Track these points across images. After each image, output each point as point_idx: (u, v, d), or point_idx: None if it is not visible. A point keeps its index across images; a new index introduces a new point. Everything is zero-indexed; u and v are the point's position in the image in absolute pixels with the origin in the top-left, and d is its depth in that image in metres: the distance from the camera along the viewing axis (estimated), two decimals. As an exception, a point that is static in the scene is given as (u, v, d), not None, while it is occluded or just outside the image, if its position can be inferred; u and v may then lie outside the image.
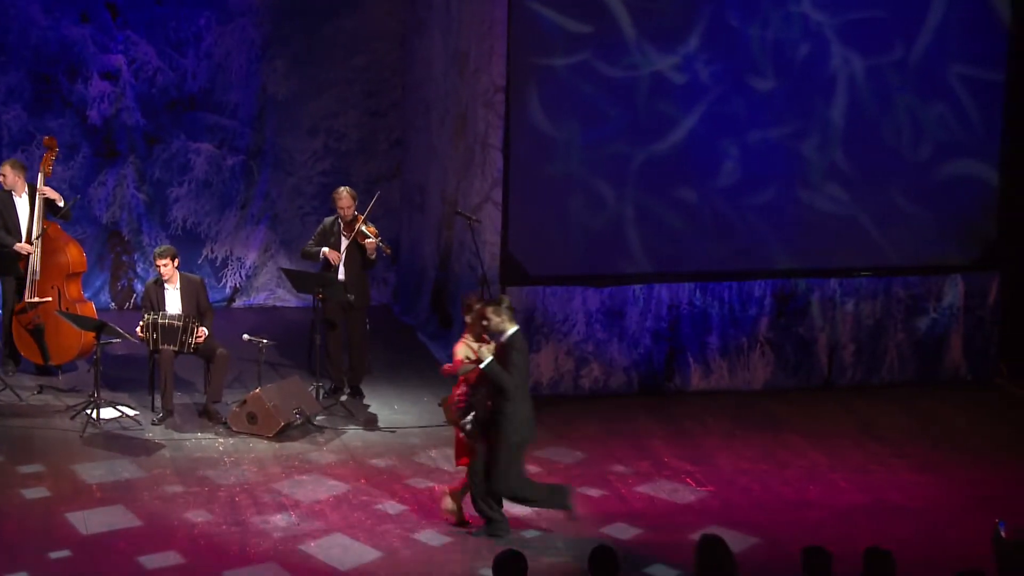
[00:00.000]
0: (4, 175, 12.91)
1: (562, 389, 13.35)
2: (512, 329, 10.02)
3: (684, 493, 11.07)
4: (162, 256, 12.10)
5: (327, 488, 10.83)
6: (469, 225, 13.06)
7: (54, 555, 9.48)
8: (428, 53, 15.07)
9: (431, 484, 11.00)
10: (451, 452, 11.48)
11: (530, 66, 12.92)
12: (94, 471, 10.92)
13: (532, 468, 11.17)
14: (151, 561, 9.39)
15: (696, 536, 7.51)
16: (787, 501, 11.01)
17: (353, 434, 12.03)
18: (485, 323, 10.07)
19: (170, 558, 9.43)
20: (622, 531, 10.18)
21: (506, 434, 9.95)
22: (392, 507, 10.62)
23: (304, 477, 11.01)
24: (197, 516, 10.16)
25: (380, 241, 12.68)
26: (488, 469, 9.99)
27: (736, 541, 7.58)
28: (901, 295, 14.05)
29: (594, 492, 10.95)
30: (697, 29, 13.21)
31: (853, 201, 13.76)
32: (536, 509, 10.35)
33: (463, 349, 10.20)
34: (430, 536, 10.14)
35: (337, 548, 9.88)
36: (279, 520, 10.18)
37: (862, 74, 13.64)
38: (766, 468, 11.68)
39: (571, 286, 13.30)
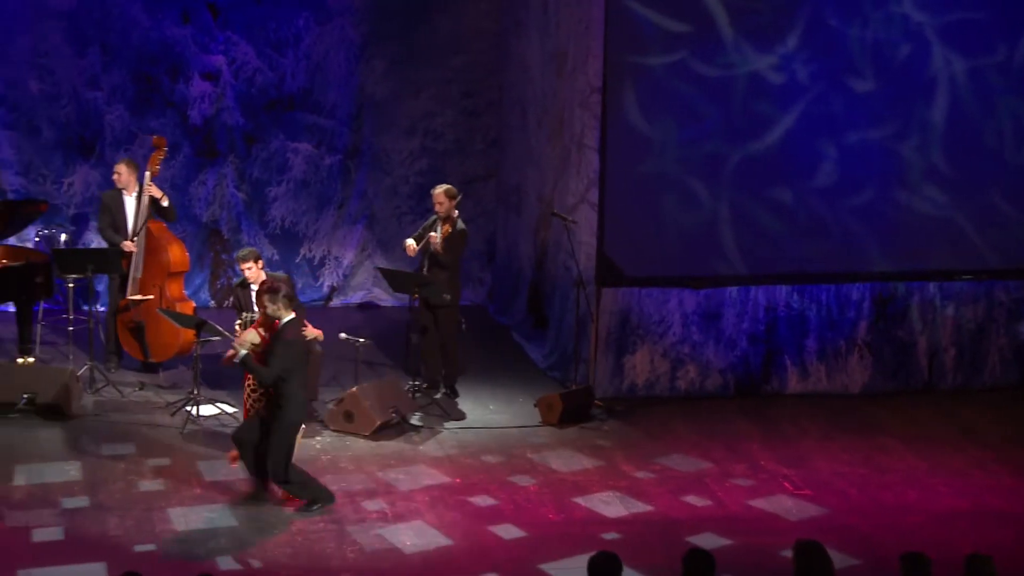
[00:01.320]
0: (119, 173, 13.09)
1: (658, 391, 13.31)
2: (286, 317, 10.18)
3: (781, 496, 10.98)
4: (244, 260, 12.18)
5: (421, 485, 10.87)
6: (565, 226, 13.06)
7: (139, 548, 9.59)
8: (525, 53, 15.08)
9: (525, 482, 11.00)
10: (548, 452, 11.54)
11: (626, 65, 12.88)
12: (210, 468, 11.05)
13: (645, 474, 11.18)
14: (223, 563, 9.40)
15: (793, 541, 7.45)
16: (886, 506, 10.89)
17: (448, 433, 12.06)
18: (263, 309, 10.27)
19: (242, 561, 9.43)
20: (717, 534, 10.11)
21: (283, 415, 10.12)
22: (483, 501, 10.65)
23: (399, 475, 11.05)
24: (295, 514, 10.22)
25: (439, 239, 12.66)
26: (270, 448, 10.17)
27: (834, 546, 7.50)
28: (1003, 299, 13.87)
29: (692, 496, 10.88)
30: (795, 29, 13.11)
31: (952, 203, 13.60)
32: None
33: (251, 335, 10.31)
34: (508, 530, 10.15)
35: (411, 532, 9.99)
36: (375, 517, 10.23)
37: (963, 75, 13.48)
38: (864, 472, 11.57)
39: (667, 287, 13.25)
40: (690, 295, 13.31)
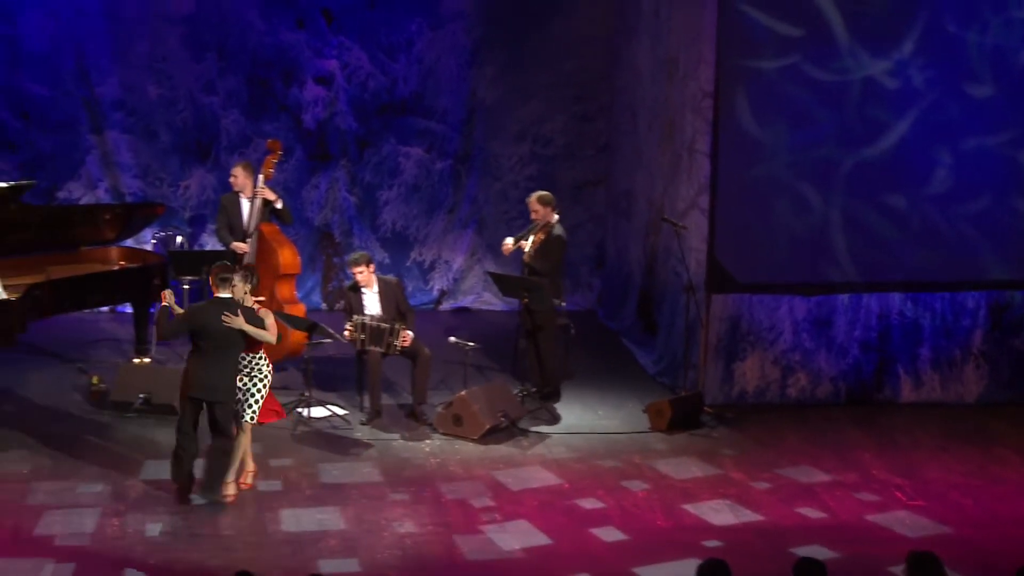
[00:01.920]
0: (235, 176, 13.26)
1: (768, 398, 13.21)
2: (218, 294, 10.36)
3: (893, 507, 10.84)
4: (356, 264, 12.26)
5: (529, 489, 10.88)
6: (676, 231, 13.01)
7: (244, 546, 9.70)
8: (636, 58, 15.05)
9: (634, 488, 10.97)
10: (657, 458, 11.52)
11: (739, 69, 12.80)
12: (328, 471, 11.14)
13: (755, 482, 11.14)
14: (332, 565, 9.43)
15: (906, 552, 7.35)
16: (1001, 518, 10.70)
17: (557, 438, 12.06)
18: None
19: (352, 564, 9.47)
20: (827, 545, 10.00)
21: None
22: (590, 505, 10.65)
23: (508, 479, 11.07)
24: (404, 517, 10.26)
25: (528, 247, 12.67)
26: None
27: (946, 558, 7.37)
28: (1124, 309, 13.60)
29: (802, 506, 10.77)
30: (912, 34, 12.94)
31: (1072, 212, 13.35)
32: None
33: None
34: (610, 533, 10.13)
35: (516, 534, 10.00)
36: (483, 520, 10.25)
37: (1086, 82, 13.22)
38: (979, 483, 11.39)
39: (778, 294, 13.14)
40: (801, 302, 13.19)
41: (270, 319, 10.41)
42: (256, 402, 10.49)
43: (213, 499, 10.33)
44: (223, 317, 10.11)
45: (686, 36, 13.54)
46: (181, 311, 10.45)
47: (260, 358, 10.54)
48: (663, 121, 14.20)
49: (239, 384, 10.41)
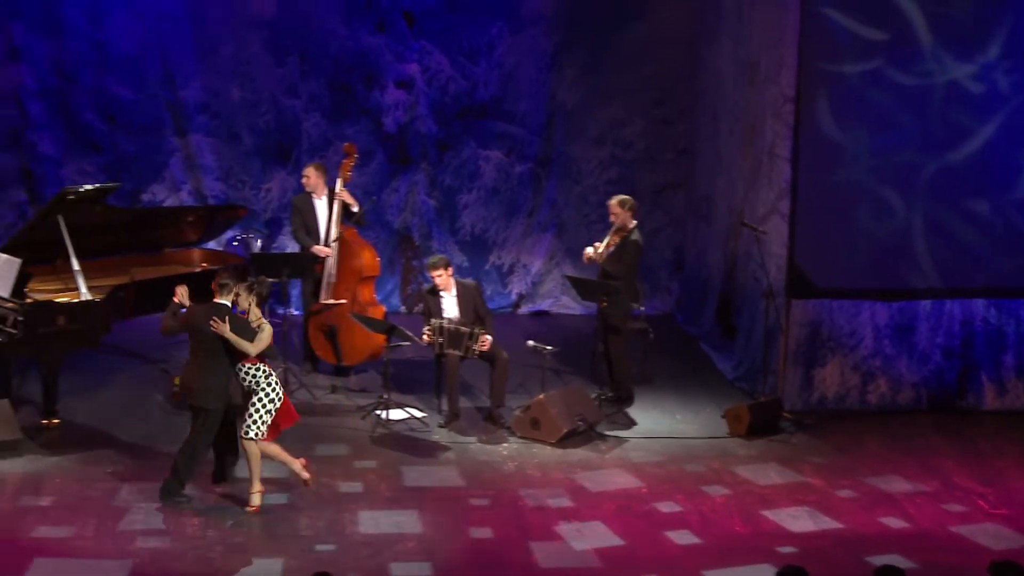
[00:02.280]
0: (307, 177, 13.37)
1: (848, 404, 13.10)
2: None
3: (975, 516, 10.71)
4: (435, 267, 12.30)
5: (607, 492, 10.87)
6: (756, 236, 12.95)
7: (320, 547, 9.74)
8: (717, 62, 14.99)
9: (712, 493, 10.93)
10: (735, 464, 11.48)
11: (820, 73, 12.71)
12: (411, 473, 11.19)
13: (834, 489, 11.07)
14: (405, 569, 9.46)
15: (988, 562, 7.27)
16: (1086, 528, 10.56)
17: (635, 443, 12.03)
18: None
19: (424, 568, 9.47)
20: (907, 554, 9.90)
21: None
22: (668, 508, 10.63)
23: (585, 482, 11.07)
24: (480, 521, 10.28)
25: (598, 251, 12.64)
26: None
27: (1030, 568, 7.30)
28: None
29: (882, 513, 10.67)
30: (997, 38, 12.78)
31: None
32: None
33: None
34: (684, 536, 10.10)
35: (588, 534, 10.02)
36: (560, 524, 10.25)
37: None
38: (1063, 493, 11.25)
39: (859, 300, 13.04)
40: (882, 307, 13.08)
41: (265, 333, 10.23)
42: (260, 418, 10.21)
43: (168, 501, 10.28)
44: (211, 322, 10.10)
45: (767, 40, 13.46)
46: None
47: (257, 369, 10.22)
48: (744, 125, 14.13)
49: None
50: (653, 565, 9.58)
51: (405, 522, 10.19)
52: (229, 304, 10.21)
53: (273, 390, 10.24)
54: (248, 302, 10.30)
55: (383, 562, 9.48)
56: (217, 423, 10.32)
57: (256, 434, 10.20)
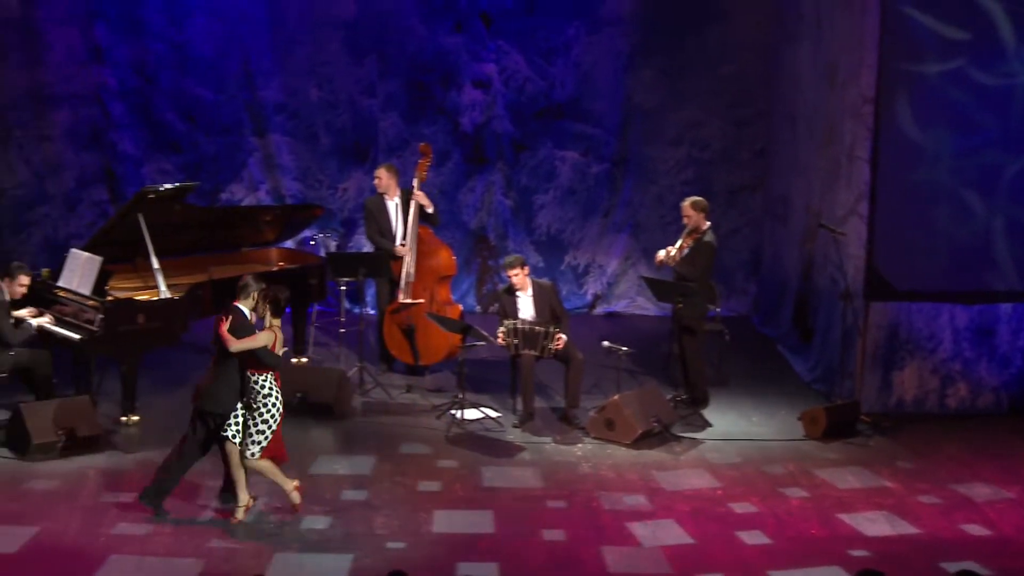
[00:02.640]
0: (379, 178, 13.43)
1: (927, 407, 12.98)
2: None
3: (1056, 521, 10.60)
4: (511, 266, 12.31)
5: (681, 493, 10.83)
6: (834, 238, 12.85)
7: (391, 545, 9.78)
8: (795, 64, 14.90)
9: (788, 495, 10.86)
10: (811, 466, 11.41)
11: (901, 74, 12.59)
12: (492, 474, 11.20)
13: (912, 493, 10.97)
14: (472, 568, 9.42)
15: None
16: None
17: (711, 444, 11.98)
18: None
19: (492, 569, 9.42)
20: (984, 559, 9.78)
21: None
22: (742, 506, 10.60)
23: (659, 484, 11.03)
24: (553, 522, 10.26)
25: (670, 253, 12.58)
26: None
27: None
28: None
29: (961, 518, 10.55)
30: (1081, 37, 12.62)
31: None
32: None
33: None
34: (756, 537, 10.05)
35: (660, 532, 10.03)
36: (635, 526, 10.23)
37: None
38: None
39: (938, 302, 12.91)
40: (962, 310, 12.94)
41: (261, 336, 9.77)
42: (260, 435, 9.87)
43: (147, 502, 10.03)
44: (218, 320, 9.91)
45: (847, 41, 13.37)
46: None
47: (264, 380, 9.83)
48: (822, 127, 14.03)
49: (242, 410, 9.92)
50: (721, 565, 9.54)
51: (480, 522, 10.19)
52: (247, 309, 9.94)
53: (268, 410, 9.81)
54: (264, 309, 9.89)
55: (451, 562, 9.48)
56: (208, 429, 10.01)
57: (252, 454, 9.85)
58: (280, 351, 9.87)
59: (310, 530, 9.98)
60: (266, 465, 9.98)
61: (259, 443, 9.85)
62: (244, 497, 10.03)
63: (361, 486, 10.78)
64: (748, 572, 9.46)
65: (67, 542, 9.59)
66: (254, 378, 9.79)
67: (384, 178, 13.40)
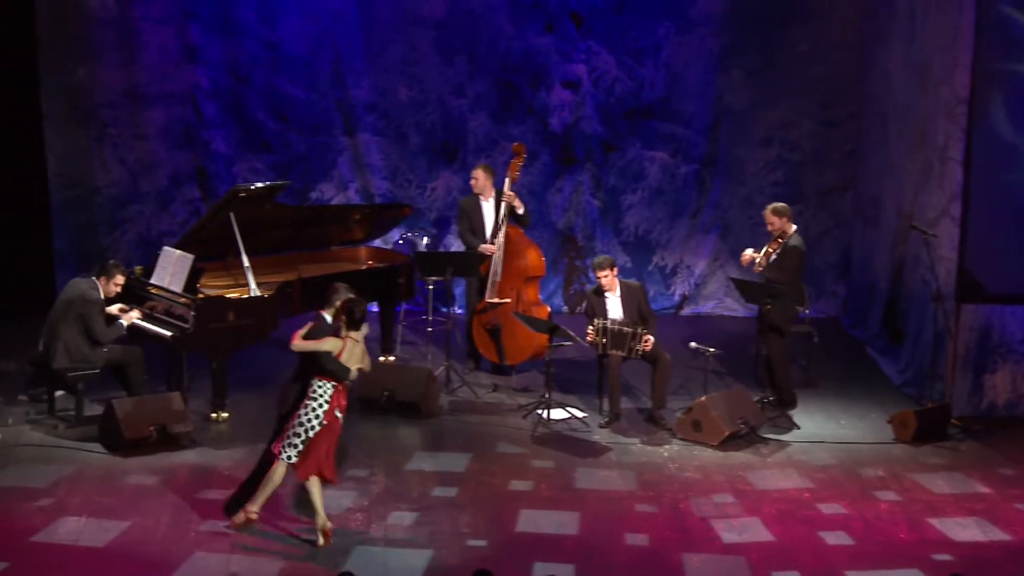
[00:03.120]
0: (476, 178, 13.47)
1: (1020, 411, 12.79)
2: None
3: None
4: (600, 267, 12.30)
5: (768, 497, 10.77)
6: (925, 240, 12.72)
7: (472, 543, 9.83)
8: (888, 64, 14.76)
9: (876, 498, 10.77)
10: (900, 470, 11.29)
11: (996, 73, 12.42)
12: (569, 473, 11.21)
13: (1004, 498, 10.84)
14: (549, 569, 9.41)
15: None
16: None
17: (798, 447, 11.90)
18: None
19: (568, 571, 9.39)
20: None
21: None
22: (829, 508, 10.55)
23: (746, 486, 10.99)
24: (637, 524, 10.22)
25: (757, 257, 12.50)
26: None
27: None
28: None
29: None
30: None
31: None
32: None
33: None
34: (841, 538, 10.00)
35: (744, 531, 10.03)
36: (722, 528, 10.19)
37: None
38: None
39: (1031, 305, 12.74)
40: (1057, 314, 12.77)
41: (336, 346, 9.63)
42: (296, 437, 9.61)
43: (231, 515, 9.93)
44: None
45: (941, 40, 13.22)
46: None
47: (322, 389, 9.64)
48: (914, 127, 13.89)
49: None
50: (805, 566, 9.51)
51: (565, 523, 10.19)
52: (329, 317, 9.85)
53: (308, 416, 9.58)
54: (340, 320, 9.75)
55: (530, 561, 9.49)
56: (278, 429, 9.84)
57: (287, 457, 9.61)
58: (353, 365, 9.71)
59: (395, 525, 10.05)
60: (312, 483, 9.64)
61: (294, 445, 9.58)
62: (258, 505, 9.76)
63: (452, 483, 10.83)
64: (822, 570, 9.44)
65: (155, 538, 9.72)
66: (316, 383, 9.63)
67: (481, 178, 13.44)
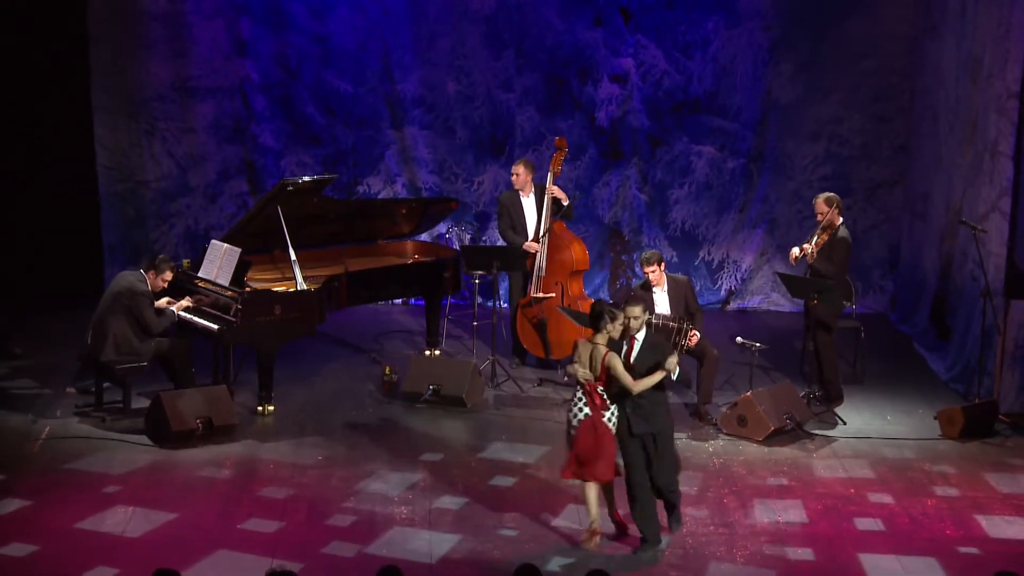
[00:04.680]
0: (517, 174, 13.47)
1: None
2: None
3: None
4: (648, 263, 12.25)
5: (813, 493, 10.74)
6: (974, 235, 12.63)
7: (503, 531, 9.92)
8: (939, 58, 14.66)
9: (923, 495, 10.71)
10: (947, 467, 11.23)
11: (1049, 68, 12.33)
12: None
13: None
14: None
15: None
16: None
17: (844, 442, 11.85)
18: (633, 320, 9.63)
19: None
20: None
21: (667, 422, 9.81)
22: (875, 504, 10.54)
23: (791, 483, 10.94)
24: (685, 515, 10.22)
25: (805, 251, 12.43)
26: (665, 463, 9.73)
27: None
28: None
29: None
30: None
31: None
32: None
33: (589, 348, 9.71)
34: (885, 536, 9.99)
35: (788, 527, 10.08)
36: (766, 523, 10.17)
37: None
38: None
39: (1081, 301, 12.61)
40: (1107, 310, 12.63)
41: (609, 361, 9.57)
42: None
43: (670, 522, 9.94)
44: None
45: (992, 34, 13.12)
46: None
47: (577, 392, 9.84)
48: (965, 122, 13.79)
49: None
50: (845, 557, 9.58)
51: (605, 517, 10.20)
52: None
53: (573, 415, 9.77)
54: (617, 330, 9.64)
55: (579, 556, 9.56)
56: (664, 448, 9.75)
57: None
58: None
59: (439, 509, 10.18)
60: (592, 494, 9.71)
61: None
62: (593, 511, 9.75)
63: (512, 473, 10.97)
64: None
65: (191, 531, 9.83)
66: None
67: (522, 174, 13.44)
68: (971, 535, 10.04)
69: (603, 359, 9.53)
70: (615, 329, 9.61)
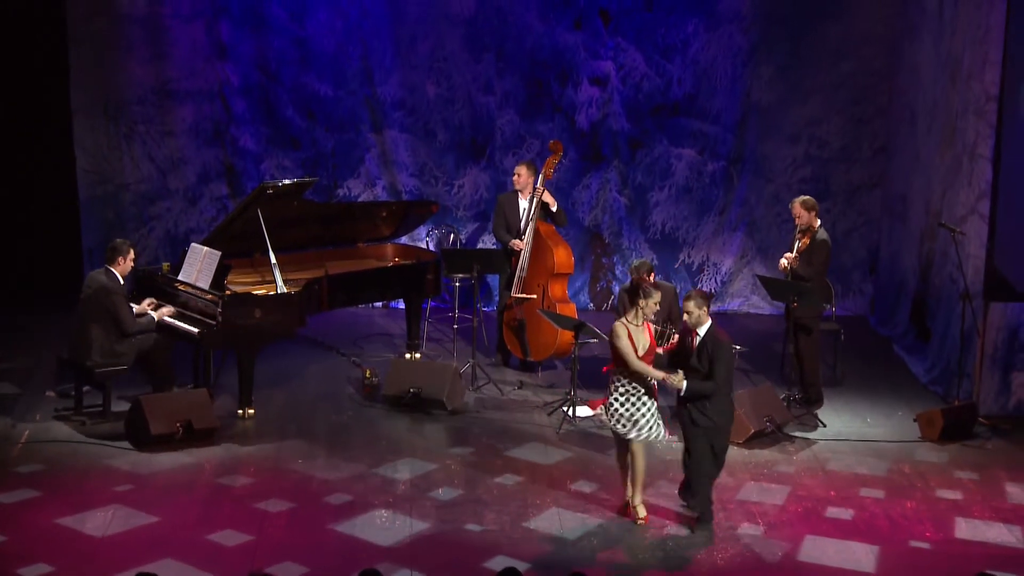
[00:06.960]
0: (519, 175, 13.49)
1: (1047, 411, 12.77)
2: (707, 323, 10.15)
3: None
4: (638, 272, 12.26)
5: (794, 497, 10.76)
6: (953, 237, 12.66)
7: (484, 530, 9.97)
8: (917, 59, 14.70)
9: (902, 497, 10.74)
10: (926, 469, 11.28)
11: (1026, 70, 12.37)
12: (594, 471, 11.28)
13: None
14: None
15: None
16: None
17: (824, 445, 11.88)
18: (687, 315, 10.07)
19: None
20: None
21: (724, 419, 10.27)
22: (854, 506, 10.59)
23: (772, 485, 10.96)
24: (663, 519, 10.25)
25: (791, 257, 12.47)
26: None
27: None
28: None
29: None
30: None
31: None
32: None
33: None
34: (866, 537, 10.01)
35: (769, 529, 10.11)
36: (746, 527, 10.18)
37: None
38: None
39: (1060, 304, 12.67)
40: (1085, 312, 12.69)
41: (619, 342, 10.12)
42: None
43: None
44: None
45: (971, 36, 13.16)
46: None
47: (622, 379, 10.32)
48: (944, 124, 13.83)
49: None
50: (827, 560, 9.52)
51: (589, 519, 10.24)
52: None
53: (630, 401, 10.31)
54: (652, 309, 10.19)
55: (571, 560, 9.55)
56: (720, 443, 10.26)
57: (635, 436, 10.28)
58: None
59: (420, 511, 10.26)
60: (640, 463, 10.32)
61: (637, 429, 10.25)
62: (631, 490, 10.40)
63: (493, 474, 11.03)
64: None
65: (168, 533, 9.81)
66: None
67: (524, 176, 13.45)
68: (949, 537, 10.08)
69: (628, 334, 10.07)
70: (648, 307, 10.09)
